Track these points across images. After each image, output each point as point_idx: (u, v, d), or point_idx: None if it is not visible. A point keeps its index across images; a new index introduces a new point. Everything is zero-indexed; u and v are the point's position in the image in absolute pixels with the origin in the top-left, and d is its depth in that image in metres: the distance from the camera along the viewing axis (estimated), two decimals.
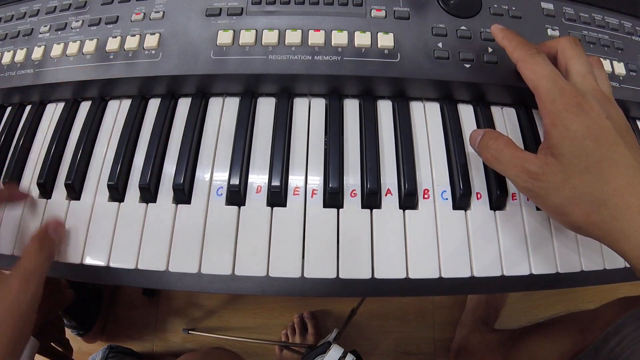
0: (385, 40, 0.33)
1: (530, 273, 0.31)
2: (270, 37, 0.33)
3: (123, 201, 0.33)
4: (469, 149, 0.34)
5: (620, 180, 0.25)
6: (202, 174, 0.33)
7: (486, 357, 0.80)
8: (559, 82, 0.27)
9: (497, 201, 0.32)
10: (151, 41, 0.34)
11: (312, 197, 0.32)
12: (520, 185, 0.28)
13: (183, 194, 0.31)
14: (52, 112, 0.38)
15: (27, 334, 0.27)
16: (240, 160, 0.32)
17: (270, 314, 0.98)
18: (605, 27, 0.38)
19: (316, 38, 0.33)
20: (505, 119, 0.36)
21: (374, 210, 0.31)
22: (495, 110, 0.36)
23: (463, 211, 0.32)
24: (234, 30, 0.34)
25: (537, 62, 0.28)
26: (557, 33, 0.36)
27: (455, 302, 0.96)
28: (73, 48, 0.35)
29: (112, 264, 0.31)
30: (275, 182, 0.31)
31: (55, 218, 0.32)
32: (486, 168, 0.34)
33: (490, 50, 0.34)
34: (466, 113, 0.36)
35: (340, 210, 0.31)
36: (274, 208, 0.31)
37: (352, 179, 0.32)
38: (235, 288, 0.30)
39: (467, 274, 0.30)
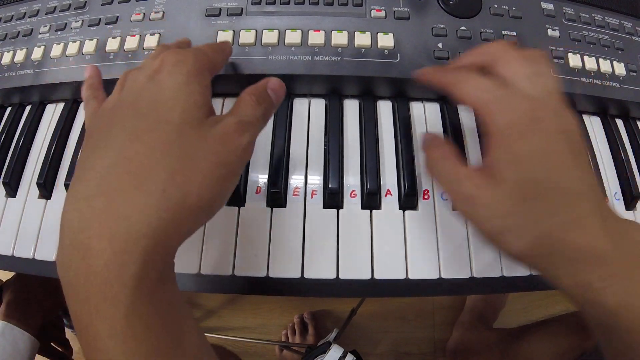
0: (385, 41, 0.33)
1: (530, 274, 0.31)
2: (270, 38, 0.33)
3: None
4: (469, 149, 0.34)
5: (569, 213, 0.21)
6: None
7: (484, 355, 0.80)
8: (500, 92, 0.23)
9: None
10: (151, 41, 0.34)
11: (312, 197, 0.32)
12: (454, 205, 0.24)
13: None
14: (52, 112, 0.38)
15: (234, 184, 0.23)
16: None
17: (270, 314, 0.98)
18: (605, 27, 0.38)
19: (316, 38, 0.33)
20: None
21: (373, 210, 0.31)
22: None
23: None
24: (233, 31, 0.34)
25: (470, 78, 0.24)
26: (557, 33, 0.36)
27: (455, 302, 0.96)
28: (73, 48, 0.35)
29: None
30: (275, 183, 0.31)
31: (275, 78, 0.27)
32: None
33: None
34: (466, 113, 0.36)
35: (340, 210, 0.31)
36: (274, 209, 0.31)
37: (352, 180, 0.32)
38: (235, 288, 0.30)
39: (467, 275, 0.30)
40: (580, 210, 0.21)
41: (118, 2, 0.37)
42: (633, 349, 0.21)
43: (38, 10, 0.39)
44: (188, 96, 0.22)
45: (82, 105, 0.38)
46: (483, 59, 0.26)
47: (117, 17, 0.36)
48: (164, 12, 0.36)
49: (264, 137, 0.34)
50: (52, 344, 0.68)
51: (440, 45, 0.34)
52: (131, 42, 0.35)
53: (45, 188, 0.34)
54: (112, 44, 0.35)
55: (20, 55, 0.37)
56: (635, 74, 0.37)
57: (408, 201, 0.32)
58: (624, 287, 0.20)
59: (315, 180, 0.32)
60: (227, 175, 0.22)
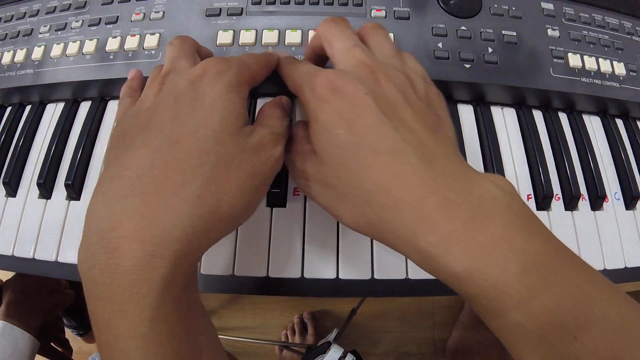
0: None
1: None
2: (270, 37, 0.33)
3: None
4: (470, 149, 0.34)
5: (384, 172, 0.19)
6: None
7: (483, 355, 0.80)
8: (311, 72, 0.23)
9: None
10: (151, 41, 0.34)
11: None
12: (294, 183, 0.25)
13: None
14: (52, 112, 0.38)
15: (263, 195, 0.24)
16: None
17: (270, 314, 0.98)
18: (605, 27, 0.38)
19: None
20: (506, 119, 0.36)
21: None
22: (495, 110, 0.36)
23: None
24: (234, 31, 0.34)
25: (295, 69, 0.25)
26: (557, 33, 0.36)
27: (455, 302, 0.96)
28: (73, 48, 0.35)
29: None
30: (275, 183, 0.31)
31: (287, 97, 0.28)
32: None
33: (490, 50, 0.34)
34: (466, 113, 0.36)
35: None
36: (274, 208, 0.31)
37: None
38: (235, 288, 0.30)
39: None
40: (395, 168, 0.19)
41: (118, 2, 0.37)
42: (484, 316, 0.19)
43: (38, 10, 0.39)
44: (227, 105, 0.22)
45: (82, 105, 0.38)
46: (317, 42, 0.26)
47: (117, 17, 0.36)
48: (164, 12, 0.36)
49: None
50: (52, 344, 0.68)
51: (440, 45, 0.34)
52: (131, 42, 0.35)
53: (45, 188, 0.34)
54: (112, 44, 0.35)
55: (20, 55, 0.37)
56: (635, 74, 0.37)
57: None
58: (466, 249, 0.18)
59: None
60: (258, 186, 0.22)
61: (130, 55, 0.34)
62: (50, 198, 0.34)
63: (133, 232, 0.18)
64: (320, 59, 0.28)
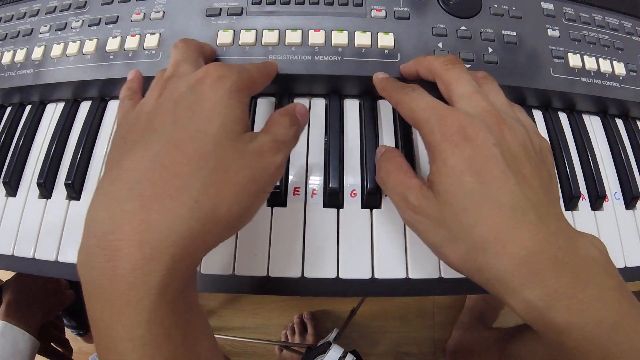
0: (386, 40, 0.33)
1: None
2: (270, 37, 0.33)
3: None
4: None
5: (503, 224, 0.21)
6: None
7: (484, 355, 0.80)
8: (438, 110, 0.24)
9: None
10: (151, 41, 0.34)
11: (312, 197, 0.32)
12: (401, 215, 0.25)
13: None
14: (52, 112, 0.38)
15: (262, 202, 0.24)
16: None
17: (270, 314, 0.98)
18: (605, 27, 0.38)
19: (316, 38, 0.33)
20: None
21: (374, 210, 0.31)
22: None
23: None
24: (234, 31, 0.34)
25: (413, 98, 0.25)
26: (557, 33, 0.36)
27: (455, 302, 0.97)
28: (73, 48, 0.35)
29: None
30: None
31: (301, 104, 0.28)
32: None
33: (490, 50, 0.34)
34: None
35: (341, 210, 0.31)
36: (274, 208, 0.31)
37: (352, 179, 0.32)
38: (235, 288, 0.30)
39: None
40: (514, 222, 0.21)
41: (118, 2, 0.37)
42: None
43: (38, 10, 0.39)
44: (227, 110, 0.22)
45: (82, 105, 0.38)
46: (427, 75, 0.28)
47: (118, 16, 0.36)
48: (164, 12, 0.36)
49: None
50: (52, 344, 0.68)
51: (440, 45, 0.34)
52: (131, 42, 0.35)
53: (46, 188, 0.34)
54: (112, 44, 0.35)
55: (20, 55, 0.37)
56: (635, 73, 0.37)
57: None
58: (568, 305, 0.20)
59: (316, 179, 0.32)
60: (257, 192, 0.22)
61: (130, 55, 0.34)
62: (50, 198, 0.34)
63: (132, 235, 0.18)
64: (420, 79, 0.29)
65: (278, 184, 0.31)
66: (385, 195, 0.32)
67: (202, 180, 0.20)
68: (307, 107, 0.35)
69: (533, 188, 0.22)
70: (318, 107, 0.35)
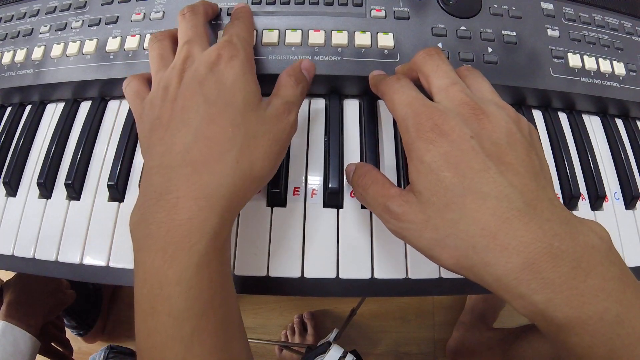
0: (385, 41, 0.33)
1: None
2: (270, 37, 0.33)
3: (123, 201, 0.33)
4: None
5: (489, 216, 0.20)
6: None
7: (484, 355, 0.80)
8: (414, 106, 0.23)
9: None
10: None
11: (312, 197, 0.32)
12: (387, 226, 0.24)
13: None
14: (52, 112, 0.38)
15: (282, 157, 0.27)
16: None
17: (270, 314, 0.98)
18: (605, 27, 0.38)
19: (316, 38, 0.33)
20: None
21: None
22: None
23: None
24: None
25: (396, 90, 0.25)
26: (556, 33, 0.36)
27: (455, 302, 0.96)
28: (73, 48, 0.35)
29: (112, 264, 0.31)
30: (275, 183, 0.31)
31: (307, 59, 0.31)
32: None
33: (490, 50, 0.34)
34: None
35: (340, 210, 0.31)
36: (274, 208, 0.31)
37: None
38: (235, 288, 0.30)
39: None
40: (502, 212, 0.20)
41: (118, 2, 0.37)
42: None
43: (38, 10, 0.39)
44: (246, 85, 0.25)
45: (82, 105, 0.38)
46: (412, 73, 0.27)
47: (118, 17, 0.36)
48: (164, 12, 0.36)
49: None
50: (52, 343, 0.68)
51: (440, 45, 0.34)
52: (131, 42, 0.35)
53: (46, 188, 0.34)
54: (112, 44, 0.35)
55: (20, 55, 0.37)
56: (635, 73, 0.37)
57: None
58: (568, 298, 0.18)
59: (316, 179, 0.32)
60: (279, 150, 0.26)
61: (130, 55, 0.34)
62: (50, 198, 0.34)
63: (188, 193, 0.22)
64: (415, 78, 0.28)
65: (278, 184, 0.31)
66: None
67: (238, 146, 0.24)
68: (307, 107, 0.35)
69: (519, 174, 0.21)
70: (318, 106, 0.35)
